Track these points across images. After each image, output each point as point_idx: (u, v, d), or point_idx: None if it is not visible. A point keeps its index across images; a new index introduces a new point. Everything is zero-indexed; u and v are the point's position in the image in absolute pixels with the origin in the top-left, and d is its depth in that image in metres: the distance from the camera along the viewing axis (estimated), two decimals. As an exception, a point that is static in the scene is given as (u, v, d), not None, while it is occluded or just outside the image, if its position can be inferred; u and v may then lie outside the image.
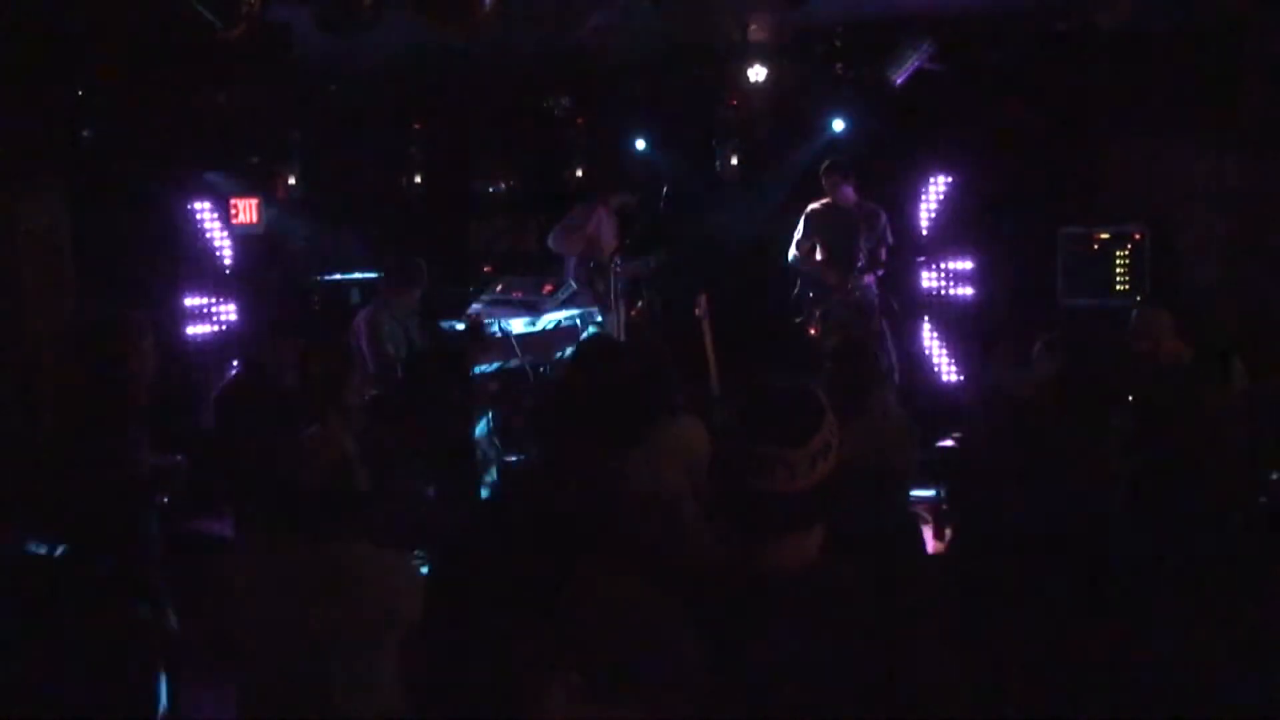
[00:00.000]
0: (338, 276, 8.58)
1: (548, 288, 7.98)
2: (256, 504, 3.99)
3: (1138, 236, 7.57)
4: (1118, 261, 7.59)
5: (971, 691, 2.21)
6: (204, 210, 8.21)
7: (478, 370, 7.17)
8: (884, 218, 8.03)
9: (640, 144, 9.08)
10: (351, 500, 2.98)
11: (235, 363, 8.07)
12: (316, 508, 2.95)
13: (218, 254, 8.26)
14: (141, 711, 3.62)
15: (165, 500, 4.63)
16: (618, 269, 7.97)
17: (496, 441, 7.03)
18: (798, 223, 8.11)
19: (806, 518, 2.01)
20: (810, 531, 2.03)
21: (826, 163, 7.97)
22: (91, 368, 4.27)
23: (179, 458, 4.55)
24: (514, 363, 7.34)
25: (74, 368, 4.47)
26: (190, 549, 6.00)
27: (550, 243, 8.04)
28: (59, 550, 3.65)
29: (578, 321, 7.76)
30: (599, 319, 7.81)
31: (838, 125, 8.55)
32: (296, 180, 8.66)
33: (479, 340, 7.39)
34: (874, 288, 8.00)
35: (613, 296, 7.97)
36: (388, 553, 3.02)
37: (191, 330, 8.10)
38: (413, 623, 2.91)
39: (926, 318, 8.60)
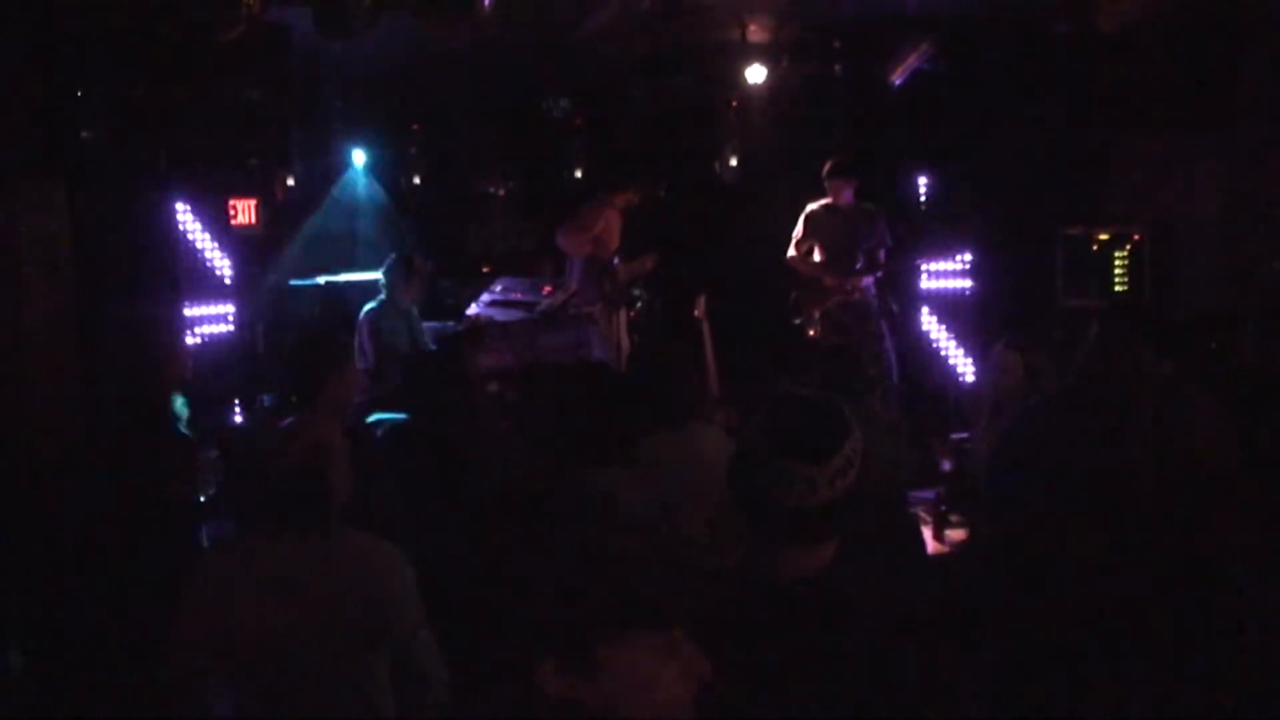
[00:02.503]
0: (337, 278, 8.58)
1: (547, 289, 7.98)
2: (242, 497, 3.98)
3: (1137, 237, 7.57)
4: (1117, 262, 7.58)
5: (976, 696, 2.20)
6: (204, 211, 8.17)
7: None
8: (883, 219, 8.03)
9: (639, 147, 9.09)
10: (324, 491, 2.93)
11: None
12: (287, 499, 2.92)
13: (217, 253, 8.22)
14: None
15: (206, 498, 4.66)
16: (618, 269, 7.97)
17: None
18: (797, 223, 8.11)
19: (824, 531, 2.01)
20: (826, 543, 2.03)
21: (828, 164, 7.97)
22: (139, 368, 4.31)
23: (213, 453, 4.59)
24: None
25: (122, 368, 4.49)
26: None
27: (559, 241, 8.05)
28: None
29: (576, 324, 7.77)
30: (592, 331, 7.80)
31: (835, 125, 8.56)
32: (296, 181, 8.67)
33: (477, 341, 7.39)
34: (873, 289, 8.00)
35: (618, 297, 7.97)
36: (376, 542, 2.98)
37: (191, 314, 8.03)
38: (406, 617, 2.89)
39: (926, 319, 8.60)
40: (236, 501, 5.06)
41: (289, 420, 3.12)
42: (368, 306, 7.30)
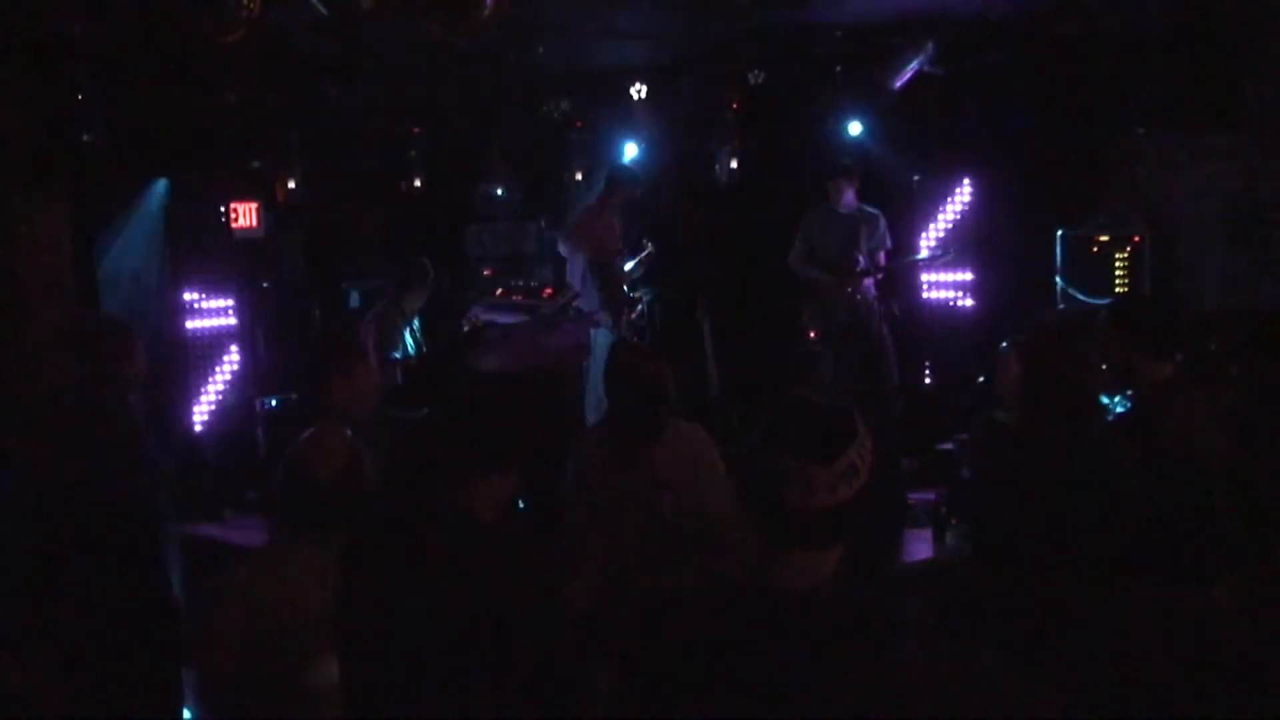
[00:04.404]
0: (337, 280, 8.58)
1: (547, 291, 7.99)
2: (266, 506, 4.00)
3: (1137, 239, 7.57)
4: (1117, 263, 7.58)
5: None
6: (204, 213, 8.15)
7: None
8: (883, 221, 8.03)
9: (639, 148, 9.08)
10: (351, 499, 2.95)
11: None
12: (313, 507, 2.94)
13: (217, 256, 8.20)
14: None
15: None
16: (618, 270, 7.97)
17: None
18: (797, 226, 8.11)
19: (818, 537, 1.96)
20: (825, 550, 1.98)
21: (829, 166, 7.97)
22: (93, 365, 4.33)
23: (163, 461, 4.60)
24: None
25: (74, 365, 4.51)
26: (192, 553, 6.05)
27: (560, 247, 8.06)
28: None
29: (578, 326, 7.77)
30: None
31: (854, 129, 8.52)
32: (297, 184, 8.66)
33: (479, 343, 7.40)
34: (873, 291, 8.00)
35: (618, 298, 7.97)
36: None
37: (190, 323, 7.98)
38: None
39: (926, 321, 8.59)
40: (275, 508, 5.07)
41: (311, 430, 3.12)
42: (373, 310, 7.31)
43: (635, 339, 8.18)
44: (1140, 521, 3.43)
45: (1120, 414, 4.46)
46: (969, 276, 8.37)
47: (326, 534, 2.92)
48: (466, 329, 7.75)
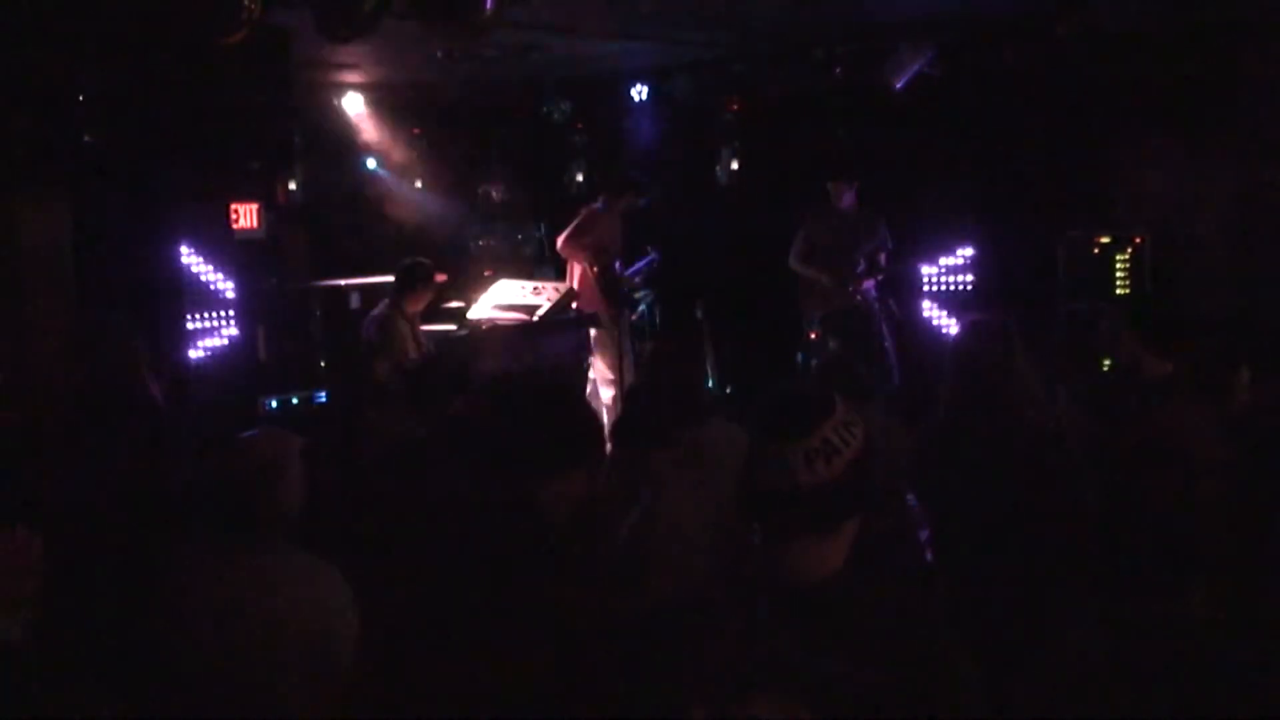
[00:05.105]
0: (338, 281, 8.57)
1: (548, 293, 7.98)
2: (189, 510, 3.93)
3: (1138, 240, 7.56)
4: (1118, 265, 7.58)
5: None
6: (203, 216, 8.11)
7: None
8: (884, 222, 8.03)
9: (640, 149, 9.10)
10: (276, 506, 2.87)
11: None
12: (237, 513, 2.86)
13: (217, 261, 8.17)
14: None
15: None
16: (619, 272, 7.98)
17: None
18: (798, 227, 8.11)
19: (810, 520, 1.93)
20: (824, 537, 1.95)
21: (829, 167, 7.97)
22: (105, 372, 4.34)
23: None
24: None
25: (84, 369, 4.52)
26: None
27: (560, 248, 8.06)
28: None
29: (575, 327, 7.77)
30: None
31: (854, 130, 8.51)
32: (297, 185, 8.66)
33: (479, 345, 7.40)
34: (874, 292, 8.00)
35: (619, 300, 7.97)
36: (322, 565, 2.90)
37: (194, 354, 7.95)
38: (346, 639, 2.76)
39: (926, 323, 8.58)
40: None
41: (251, 432, 3.05)
42: (375, 311, 7.30)
43: (636, 341, 8.19)
44: (1087, 524, 3.42)
45: (1118, 410, 4.44)
46: (970, 251, 8.34)
47: (247, 538, 2.85)
48: (466, 330, 7.75)
